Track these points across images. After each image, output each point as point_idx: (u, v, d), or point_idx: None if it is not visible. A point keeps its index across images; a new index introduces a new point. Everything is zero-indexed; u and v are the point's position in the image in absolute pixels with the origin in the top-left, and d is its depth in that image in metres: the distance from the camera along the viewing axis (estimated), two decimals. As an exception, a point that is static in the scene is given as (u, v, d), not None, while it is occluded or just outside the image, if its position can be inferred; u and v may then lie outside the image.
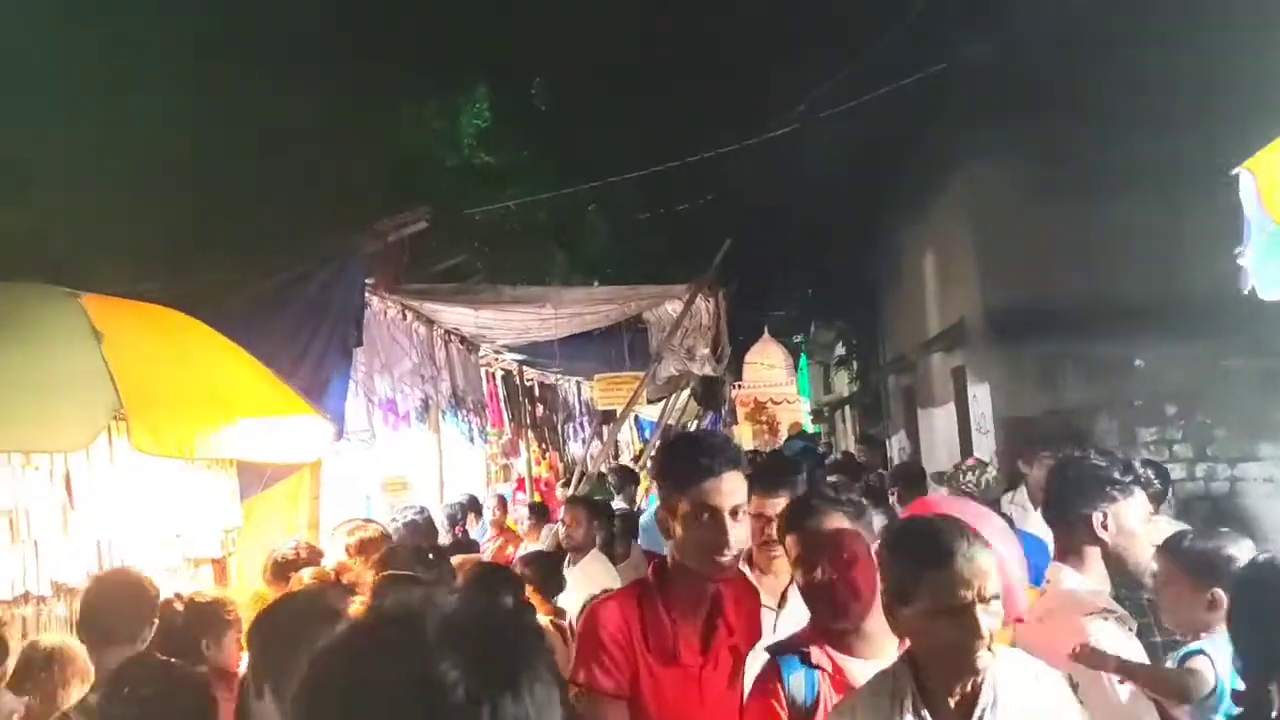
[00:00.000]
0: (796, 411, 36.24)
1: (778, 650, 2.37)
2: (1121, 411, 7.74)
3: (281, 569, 4.41)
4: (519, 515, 9.35)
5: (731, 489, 2.38)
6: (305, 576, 4.34)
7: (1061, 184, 8.57)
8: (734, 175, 11.15)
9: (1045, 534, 3.12)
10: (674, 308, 8.03)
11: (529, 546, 7.59)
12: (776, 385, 31.79)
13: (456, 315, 7.27)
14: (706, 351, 6.57)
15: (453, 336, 9.23)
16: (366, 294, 6.71)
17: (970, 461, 4.95)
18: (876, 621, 2.21)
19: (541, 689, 0.99)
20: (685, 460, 2.42)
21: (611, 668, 2.37)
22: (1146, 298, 7.84)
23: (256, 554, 5.16)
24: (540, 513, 10.42)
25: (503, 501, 8.37)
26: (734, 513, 2.38)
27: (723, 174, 10.82)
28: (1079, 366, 8.29)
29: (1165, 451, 7.69)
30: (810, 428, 31.54)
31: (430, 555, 3.93)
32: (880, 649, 2.27)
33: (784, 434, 36.07)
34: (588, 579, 5.53)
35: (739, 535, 2.40)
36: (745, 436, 36.65)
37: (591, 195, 9.96)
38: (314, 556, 4.51)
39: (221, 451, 4.82)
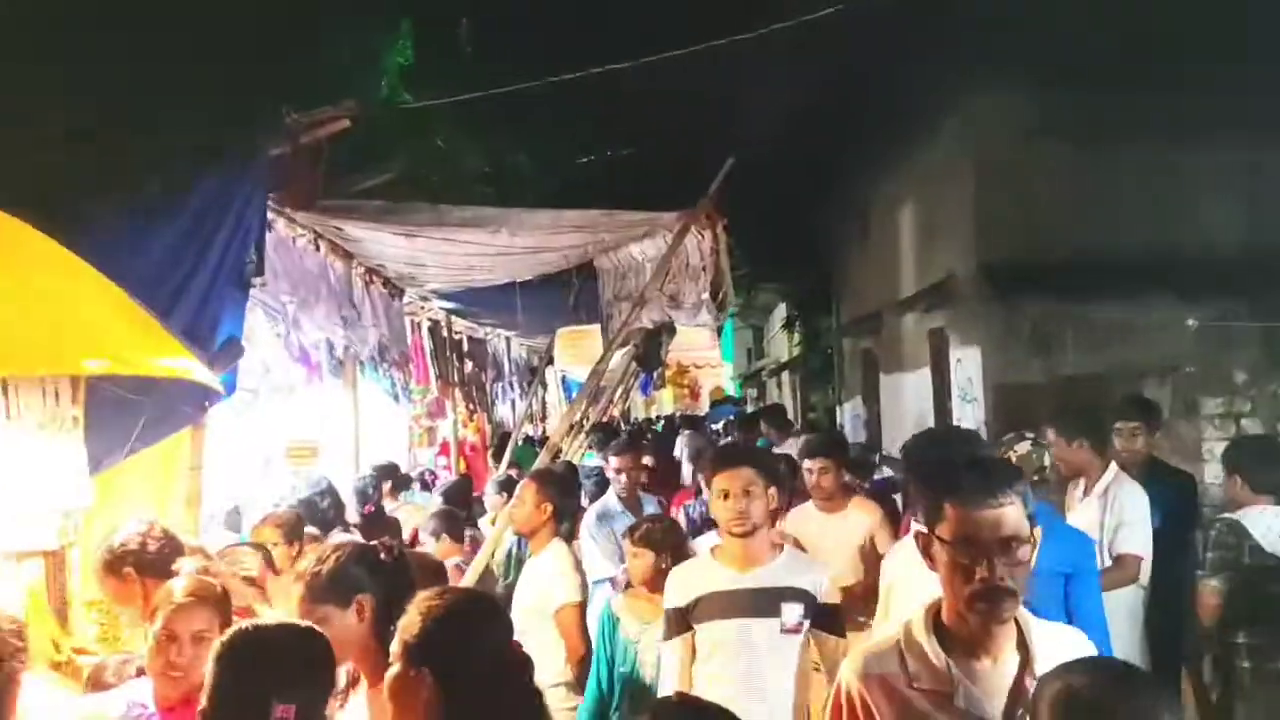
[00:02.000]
0: (719, 376, 35.66)
1: None
2: (1181, 379, 6.84)
3: (116, 562, 3.22)
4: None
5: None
6: (184, 571, 3.13)
7: (1073, 127, 7.64)
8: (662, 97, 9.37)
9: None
10: (643, 249, 6.84)
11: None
12: (699, 349, 30.91)
13: (383, 247, 5.95)
14: (705, 296, 5.38)
15: (374, 278, 7.88)
16: (270, 212, 5.37)
17: (1014, 439, 3.90)
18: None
19: None
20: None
21: None
22: (1173, 252, 6.97)
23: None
24: (468, 485, 9.18)
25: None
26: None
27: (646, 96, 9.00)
28: (1094, 328, 7.40)
29: (1232, 426, 6.84)
30: (734, 393, 30.88)
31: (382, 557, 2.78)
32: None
33: (705, 399, 35.56)
34: (540, 580, 4.35)
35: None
36: (666, 400, 35.99)
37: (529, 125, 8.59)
38: (169, 545, 3.28)
39: (68, 409, 3.61)
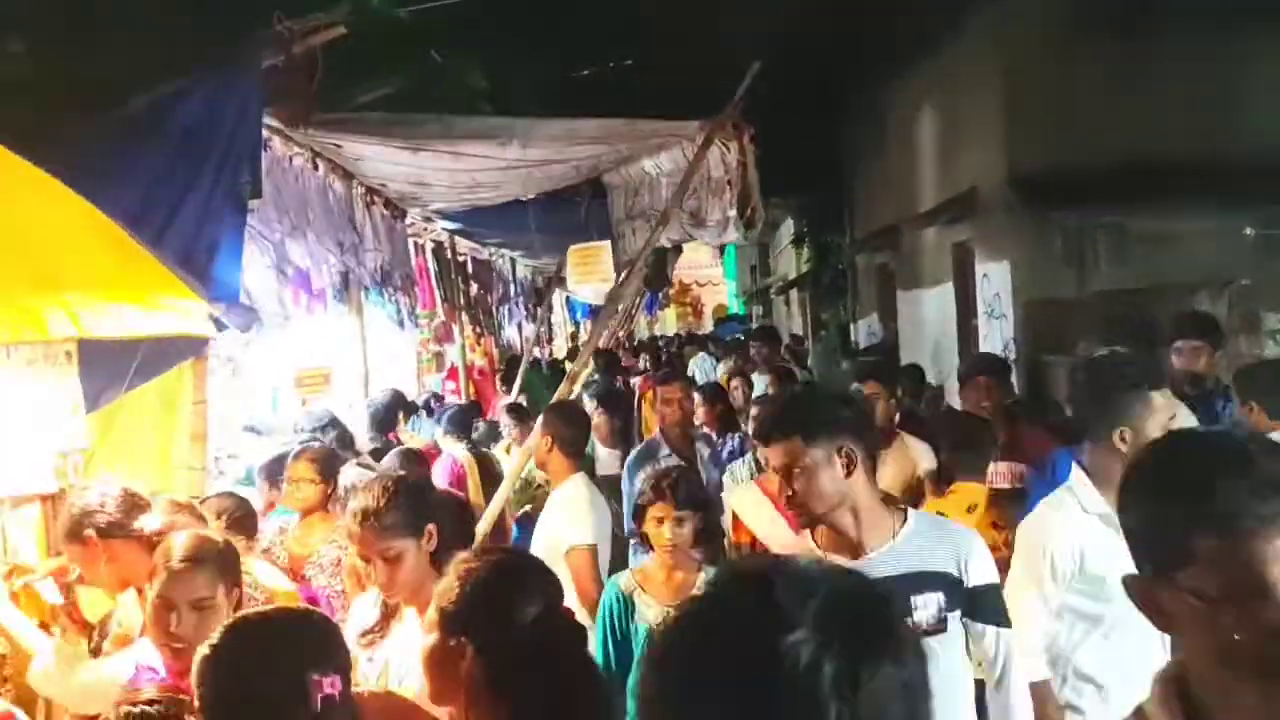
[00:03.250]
0: (721, 294, 35.34)
1: None
2: (1238, 292, 6.53)
3: (77, 526, 2.92)
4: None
5: None
6: (149, 528, 2.90)
7: (1110, 19, 7.19)
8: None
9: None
10: (658, 162, 6.47)
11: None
12: (702, 267, 30.52)
13: (386, 164, 5.61)
14: (732, 213, 5.02)
15: (375, 199, 7.54)
16: (265, 130, 5.02)
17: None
18: None
19: None
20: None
21: None
22: (1221, 154, 6.61)
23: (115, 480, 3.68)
24: (473, 412, 8.95)
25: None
26: None
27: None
28: (1134, 239, 7.09)
29: (1290, 345, 6.55)
30: (738, 310, 30.60)
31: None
32: None
33: (708, 317, 35.32)
34: (552, 518, 4.12)
35: None
36: (670, 319, 35.73)
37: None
38: (132, 504, 3.04)
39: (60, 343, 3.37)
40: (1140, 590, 1.26)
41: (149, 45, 4.41)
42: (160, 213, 4.28)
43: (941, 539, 2.48)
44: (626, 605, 3.27)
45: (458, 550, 2.76)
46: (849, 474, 2.40)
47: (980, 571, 2.46)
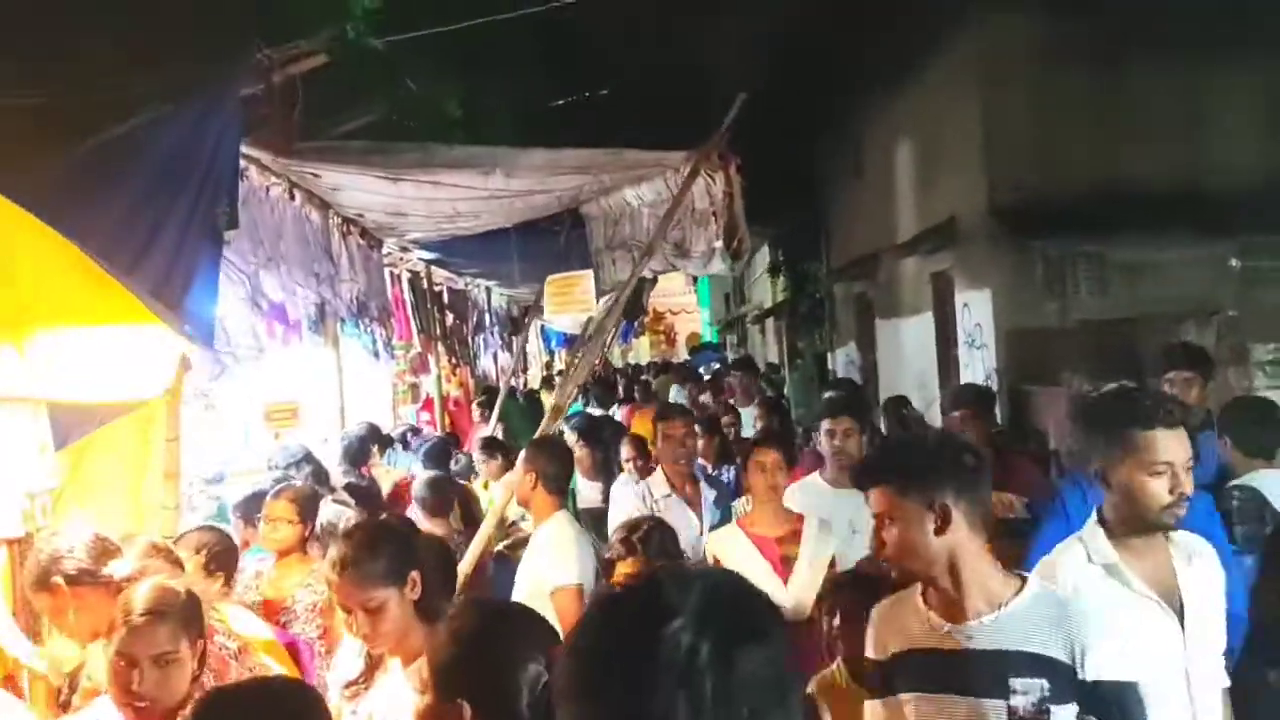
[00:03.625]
0: (696, 322, 35.37)
1: None
2: (1225, 323, 6.53)
3: (44, 574, 2.78)
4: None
5: None
6: (117, 574, 2.76)
7: (1089, 48, 7.25)
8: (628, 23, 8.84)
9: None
10: (639, 193, 6.40)
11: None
12: (675, 295, 30.49)
13: (365, 193, 5.50)
14: (718, 244, 4.94)
15: (352, 229, 7.42)
16: (242, 159, 4.91)
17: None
18: None
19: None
20: None
21: None
22: (1202, 183, 6.64)
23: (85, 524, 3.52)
24: (450, 444, 8.80)
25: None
26: None
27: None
28: (1117, 268, 7.11)
29: (1288, 375, 6.56)
30: (712, 339, 30.60)
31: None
32: None
33: (682, 345, 35.30)
34: (537, 557, 3.99)
35: None
36: (643, 348, 35.67)
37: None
38: (100, 549, 2.90)
39: (16, 387, 3.20)
40: None
41: (127, 73, 4.30)
42: (135, 243, 4.15)
43: (1057, 620, 2.14)
44: None
45: (442, 596, 2.65)
46: (941, 531, 2.17)
47: (1106, 665, 2.12)
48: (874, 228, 11.04)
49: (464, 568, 4.45)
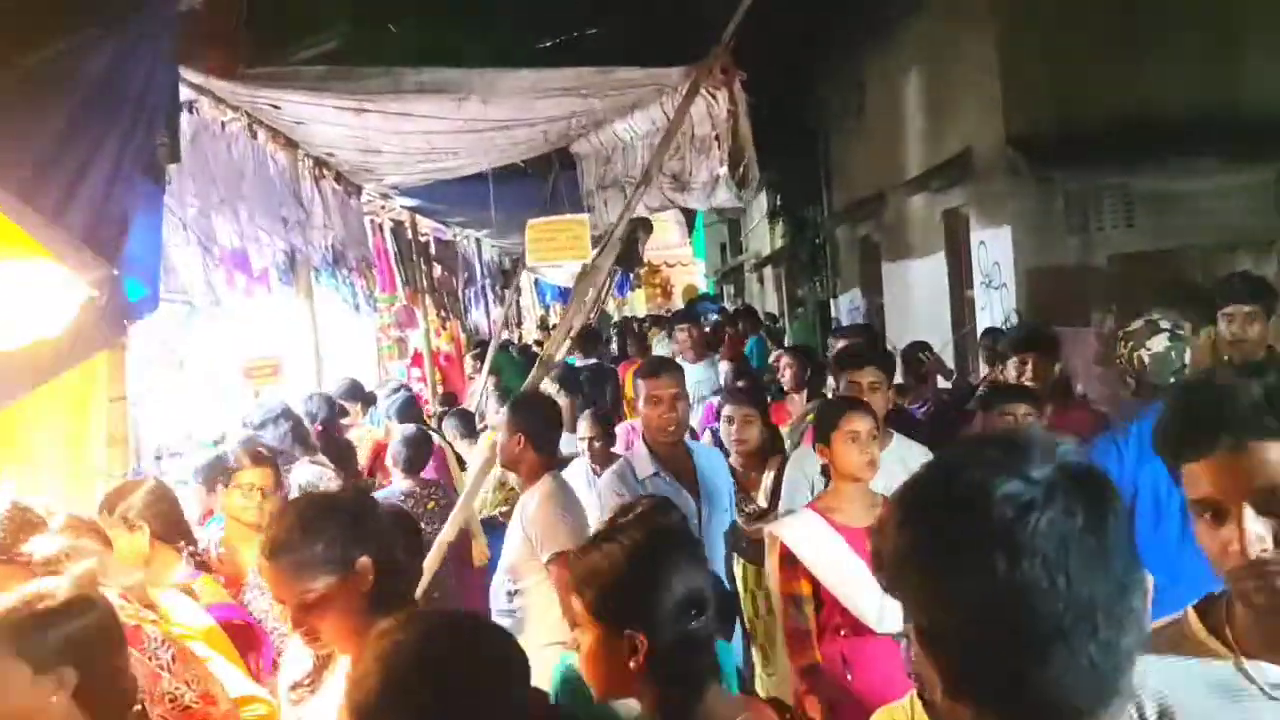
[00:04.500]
0: (692, 274, 34.89)
1: None
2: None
3: None
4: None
5: None
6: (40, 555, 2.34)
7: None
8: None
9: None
10: (632, 124, 5.90)
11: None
12: (670, 247, 29.92)
13: (330, 128, 5.00)
14: (722, 171, 4.40)
15: (326, 171, 6.91)
16: (187, 87, 4.40)
17: (1146, 329, 3.06)
18: None
19: None
20: None
21: None
22: (1239, 106, 6.14)
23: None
24: (449, 401, 8.39)
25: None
26: None
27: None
28: (1149, 200, 6.63)
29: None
30: (709, 290, 30.13)
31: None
32: None
33: (679, 298, 34.87)
34: (527, 523, 3.56)
35: None
36: (639, 301, 35.20)
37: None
38: (23, 525, 2.48)
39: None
40: None
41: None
42: (62, 181, 3.67)
43: None
44: (576, 691, 2.22)
45: (405, 579, 2.19)
46: None
47: None
48: (879, 166, 10.52)
49: (446, 536, 4.04)
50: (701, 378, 7.28)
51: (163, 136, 3.79)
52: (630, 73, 4.34)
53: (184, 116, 4.52)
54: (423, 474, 5.21)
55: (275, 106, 4.89)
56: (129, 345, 4.03)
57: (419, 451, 5.16)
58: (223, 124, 5.01)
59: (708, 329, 10.05)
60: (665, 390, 3.79)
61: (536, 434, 3.64)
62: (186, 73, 4.17)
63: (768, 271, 20.04)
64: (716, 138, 4.41)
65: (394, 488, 5.16)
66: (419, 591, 2.53)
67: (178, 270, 4.49)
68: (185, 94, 4.57)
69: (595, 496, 4.13)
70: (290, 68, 4.14)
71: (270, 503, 3.66)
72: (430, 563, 3.88)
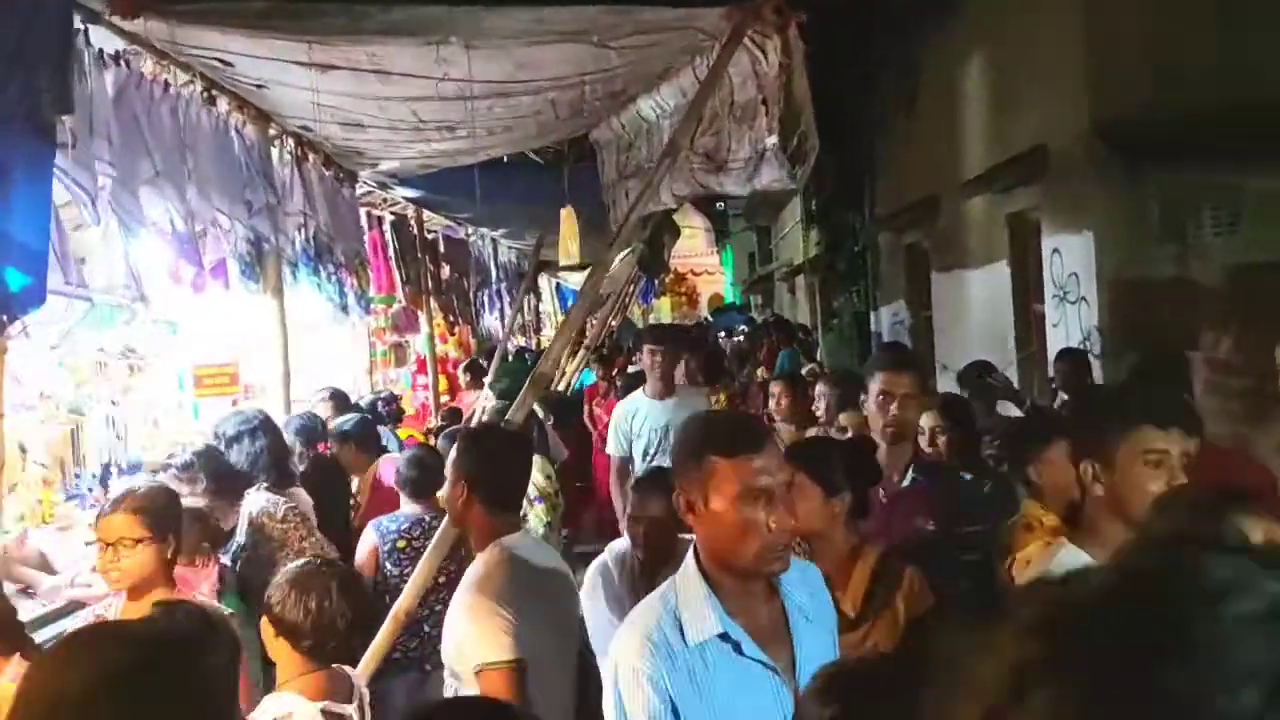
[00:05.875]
0: (718, 283, 34.08)
1: None
2: None
3: None
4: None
5: None
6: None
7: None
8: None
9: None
10: (659, 100, 5.01)
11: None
12: (696, 255, 29.06)
13: (295, 91, 4.12)
14: (771, 142, 3.40)
15: (308, 153, 6.05)
16: (119, 36, 3.55)
17: None
18: None
19: None
20: None
21: None
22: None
23: None
24: (453, 417, 7.50)
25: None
26: None
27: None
28: (1258, 203, 5.64)
29: None
30: (735, 300, 29.30)
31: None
32: None
33: (704, 307, 34.06)
34: (458, 618, 2.54)
35: None
36: (664, 310, 34.38)
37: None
38: None
39: None
40: None
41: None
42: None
43: None
44: None
45: None
46: None
47: None
48: (931, 167, 9.54)
49: (402, 605, 3.12)
50: (667, 420, 5.06)
51: (46, 82, 2.93)
52: (655, 13, 3.36)
53: (109, 69, 3.68)
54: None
55: (224, 63, 4.02)
56: (7, 348, 3.18)
57: (426, 474, 4.27)
58: (166, 83, 4.16)
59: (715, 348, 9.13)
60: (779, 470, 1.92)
61: (488, 481, 2.65)
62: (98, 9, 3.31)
63: (799, 281, 19.08)
64: (763, 102, 3.45)
65: (400, 514, 4.31)
66: None
67: (89, 258, 3.64)
68: (116, 43, 3.73)
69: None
70: (217, 4, 3.25)
71: (144, 555, 2.78)
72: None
